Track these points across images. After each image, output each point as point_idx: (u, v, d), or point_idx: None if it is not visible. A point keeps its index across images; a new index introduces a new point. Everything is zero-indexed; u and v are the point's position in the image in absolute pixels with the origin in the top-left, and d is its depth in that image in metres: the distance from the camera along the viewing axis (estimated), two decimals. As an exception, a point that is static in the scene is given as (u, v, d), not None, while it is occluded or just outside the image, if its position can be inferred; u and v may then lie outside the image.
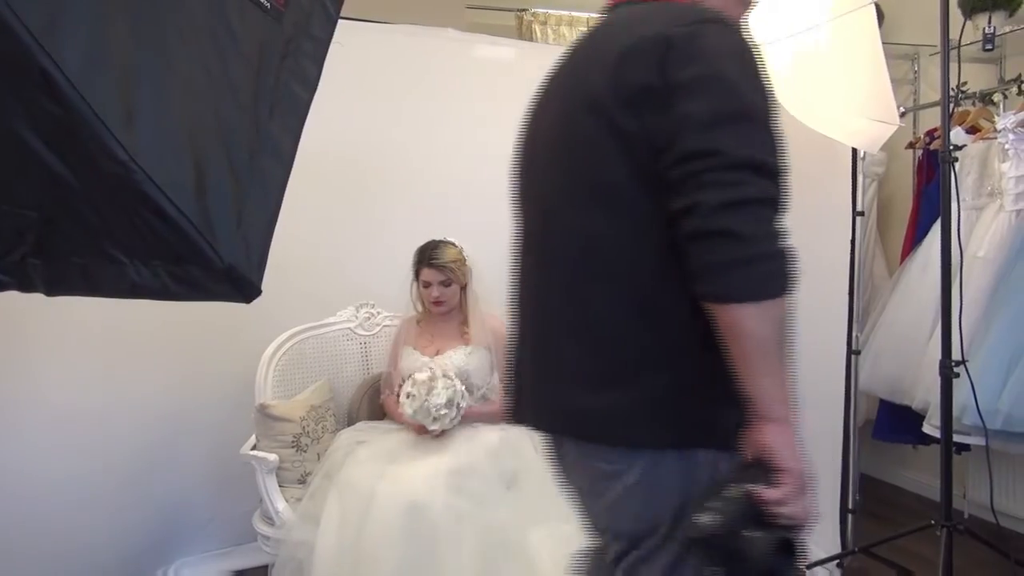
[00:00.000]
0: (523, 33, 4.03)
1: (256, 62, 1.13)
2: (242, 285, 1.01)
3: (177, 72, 1.03)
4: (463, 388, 2.38)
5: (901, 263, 3.31)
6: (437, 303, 2.54)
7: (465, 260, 2.58)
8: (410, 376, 2.42)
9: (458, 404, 2.35)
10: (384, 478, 2.17)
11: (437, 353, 2.54)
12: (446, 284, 2.54)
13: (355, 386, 2.81)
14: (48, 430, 2.50)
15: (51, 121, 0.91)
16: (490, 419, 2.48)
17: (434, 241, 2.59)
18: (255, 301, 3.01)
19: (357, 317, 2.91)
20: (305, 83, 1.17)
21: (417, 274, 2.56)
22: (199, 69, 1.06)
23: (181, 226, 0.96)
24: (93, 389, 2.64)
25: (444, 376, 2.35)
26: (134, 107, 0.95)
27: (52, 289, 1.09)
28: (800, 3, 2.63)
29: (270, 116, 1.14)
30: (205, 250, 0.98)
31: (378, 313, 2.96)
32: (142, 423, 2.78)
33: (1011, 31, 2.97)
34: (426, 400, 2.29)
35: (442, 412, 2.30)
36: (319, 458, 2.45)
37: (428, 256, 2.55)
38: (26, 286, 1.09)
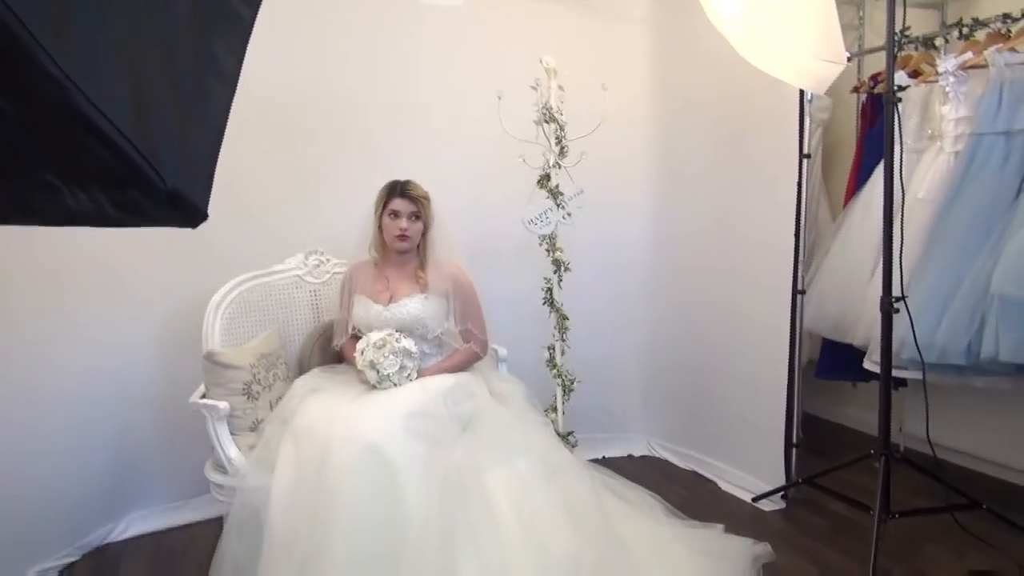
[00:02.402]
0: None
1: (196, -21, 1.07)
2: (187, 209, 0.97)
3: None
4: (416, 350, 2.38)
5: (844, 207, 3.39)
6: (402, 236, 2.49)
7: (430, 202, 2.55)
8: (364, 335, 2.40)
9: (409, 374, 2.37)
10: (339, 422, 2.14)
11: (391, 300, 2.50)
12: (415, 217, 2.51)
13: (305, 334, 2.77)
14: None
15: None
16: (447, 371, 2.48)
17: (404, 179, 2.55)
18: (203, 246, 2.97)
19: (306, 264, 2.86)
20: (249, 1, 1.11)
21: (385, 205, 2.50)
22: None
23: (120, 147, 0.91)
24: (34, 338, 2.55)
25: (396, 341, 2.34)
26: (66, 19, 0.89)
27: (-17, 217, 1.03)
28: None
29: (211, 35, 1.09)
30: (146, 172, 0.93)
31: (328, 260, 2.91)
32: (85, 374, 2.72)
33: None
34: (375, 364, 2.31)
35: (391, 375, 2.33)
36: (271, 406, 2.42)
37: (400, 187, 2.51)
38: (-46, 215, 1.03)
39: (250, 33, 1.16)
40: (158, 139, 0.95)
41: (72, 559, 2.70)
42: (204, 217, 1.00)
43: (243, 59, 1.13)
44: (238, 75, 1.12)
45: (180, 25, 1.05)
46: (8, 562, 2.47)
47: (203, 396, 2.38)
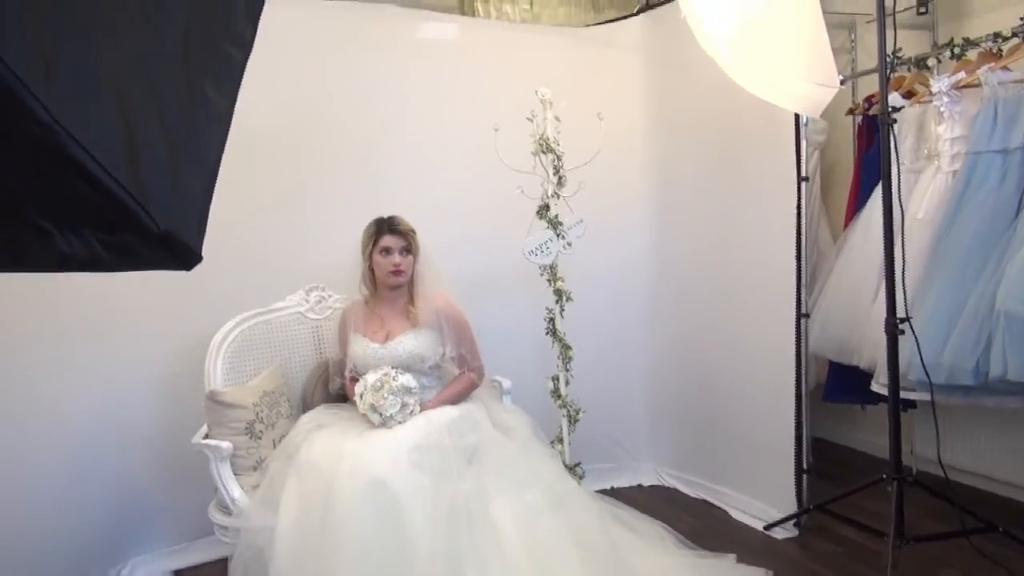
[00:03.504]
0: (465, 9, 4.00)
1: (186, 21, 1.08)
2: (180, 251, 0.96)
3: (100, 27, 0.97)
4: (415, 385, 2.37)
5: (844, 228, 3.39)
6: (396, 272, 2.50)
7: (416, 235, 2.56)
8: (362, 376, 2.40)
9: (412, 410, 2.35)
10: (344, 458, 2.13)
11: (387, 338, 2.50)
12: (406, 251, 2.52)
13: (308, 371, 2.76)
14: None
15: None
16: (449, 402, 2.47)
17: (388, 215, 2.56)
18: (203, 286, 2.96)
19: (308, 301, 2.86)
20: (239, 43, 1.12)
21: (375, 243, 2.52)
22: (124, 26, 1.00)
23: (111, 189, 0.91)
24: (35, 377, 2.54)
25: (393, 380, 2.33)
26: (53, 62, 0.89)
27: (-27, 264, 1.02)
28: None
29: (203, 76, 1.09)
30: (138, 214, 0.93)
31: (329, 296, 2.91)
32: (86, 414, 2.70)
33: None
34: (376, 407, 2.30)
35: (393, 415, 2.31)
36: (274, 444, 2.40)
37: (388, 224, 2.53)
38: (-55, 262, 1.02)
39: (242, 74, 1.16)
40: (149, 181, 0.95)
41: (76, 605, 2.67)
42: (198, 259, 1.00)
43: (235, 101, 1.14)
44: (231, 115, 1.12)
45: (171, 65, 1.05)
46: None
47: (206, 436, 2.36)
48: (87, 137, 0.90)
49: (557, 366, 2.90)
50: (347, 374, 2.54)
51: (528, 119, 2.80)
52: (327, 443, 2.25)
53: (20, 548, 2.46)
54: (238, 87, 1.15)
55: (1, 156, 0.92)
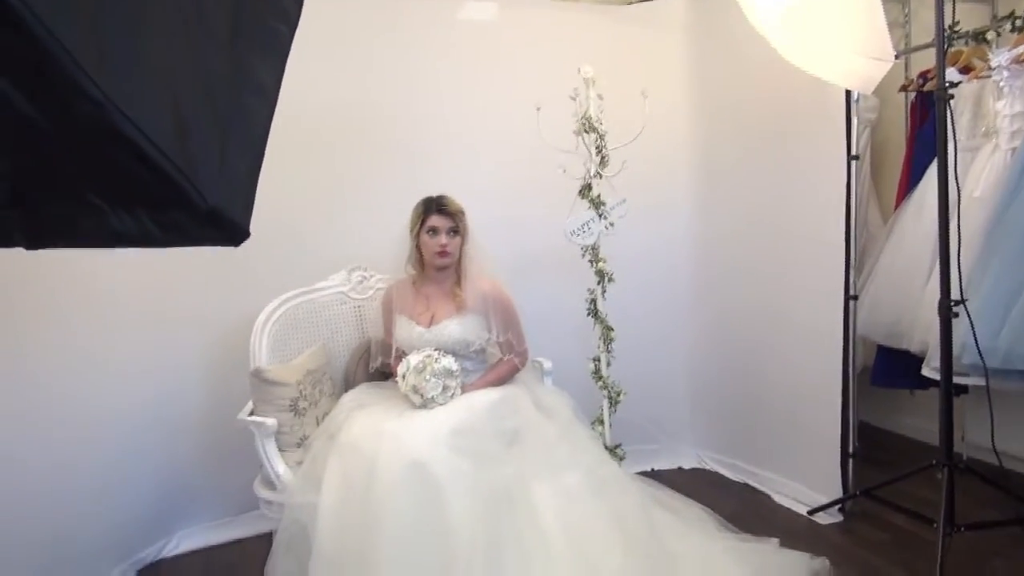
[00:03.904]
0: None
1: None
2: (228, 227, 0.97)
3: (149, 9, 0.98)
4: (457, 367, 2.36)
5: (896, 209, 3.29)
6: (443, 253, 2.48)
7: (465, 216, 2.54)
8: (405, 356, 2.40)
9: (453, 392, 2.35)
10: (385, 438, 2.14)
11: (432, 321, 2.50)
12: (454, 232, 2.50)
13: (350, 350, 2.78)
14: (38, 405, 2.46)
15: (19, 61, 0.86)
16: (491, 385, 2.47)
17: (437, 195, 2.55)
18: (247, 268, 3.01)
19: (350, 281, 2.88)
20: (285, 18, 1.12)
21: (423, 222, 2.49)
22: (172, 6, 1.01)
23: (161, 167, 0.92)
24: (83, 363, 2.60)
25: (435, 363, 2.33)
26: (106, 44, 0.90)
27: (32, 243, 1.04)
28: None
29: (249, 53, 1.09)
30: (187, 191, 0.93)
31: (371, 276, 2.92)
32: (135, 394, 2.77)
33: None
34: (418, 389, 2.30)
35: (435, 397, 2.31)
36: (317, 422, 2.43)
37: (437, 203, 2.51)
38: (4, 240, 1.04)
39: (288, 50, 1.16)
40: (198, 158, 0.96)
41: (127, 575, 2.75)
42: (246, 235, 1.00)
43: (282, 76, 1.14)
44: (277, 92, 1.12)
45: (218, 43, 1.05)
46: (66, 579, 2.52)
47: (251, 413, 2.40)
48: (138, 115, 0.91)
49: (598, 347, 2.87)
50: (393, 355, 2.54)
51: (571, 98, 2.77)
52: (368, 422, 2.26)
53: (74, 527, 2.53)
54: (284, 63, 1.15)
55: (57, 135, 0.93)
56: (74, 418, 2.56)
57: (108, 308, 2.70)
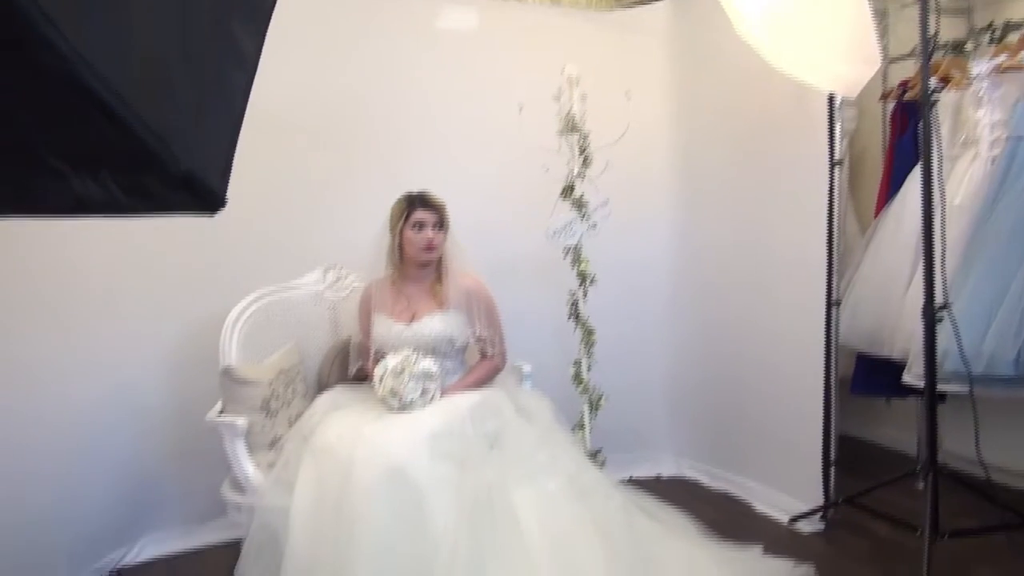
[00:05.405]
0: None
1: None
2: (203, 193, 0.90)
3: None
4: (436, 369, 2.30)
5: (875, 217, 3.29)
6: (430, 247, 2.42)
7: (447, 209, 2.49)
8: (382, 357, 2.32)
9: (432, 396, 2.28)
10: (361, 442, 2.06)
11: (413, 318, 2.43)
12: (439, 226, 2.44)
13: (324, 351, 2.70)
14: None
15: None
16: (470, 388, 2.41)
17: (417, 191, 2.48)
18: (217, 264, 2.92)
19: (325, 280, 2.81)
20: (266, -18, 1.06)
21: (407, 218, 2.43)
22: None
23: (130, 125, 0.85)
24: (42, 357, 2.50)
25: (414, 365, 2.26)
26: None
27: (-15, 210, 0.97)
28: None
29: (231, 19, 1.03)
30: (158, 153, 0.87)
31: (346, 276, 2.85)
32: (96, 393, 2.66)
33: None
34: (396, 392, 2.23)
35: (413, 401, 2.24)
36: (290, 423, 2.34)
37: (420, 198, 2.45)
38: (-45, 206, 0.97)
39: (270, 18, 1.10)
40: (173, 120, 0.89)
41: (86, 584, 2.63)
42: (222, 203, 0.94)
43: (262, 44, 1.08)
44: (257, 60, 1.06)
45: (199, 6, 0.99)
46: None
47: (220, 413, 2.31)
48: (109, 72, 0.84)
49: (579, 351, 2.82)
50: (371, 357, 2.46)
51: (554, 98, 2.73)
52: (343, 425, 2.19)
53: (34, 532, 2.42)
54: (265, 30, 1.09)
55: (17, 91, 0.85)
56: (28, 417, 2.44)
57: (66, 298, 2.58)
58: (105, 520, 2.71)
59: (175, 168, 0.87)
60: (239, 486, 2.23)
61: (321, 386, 2.58)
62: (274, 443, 2.29)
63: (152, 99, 0.87)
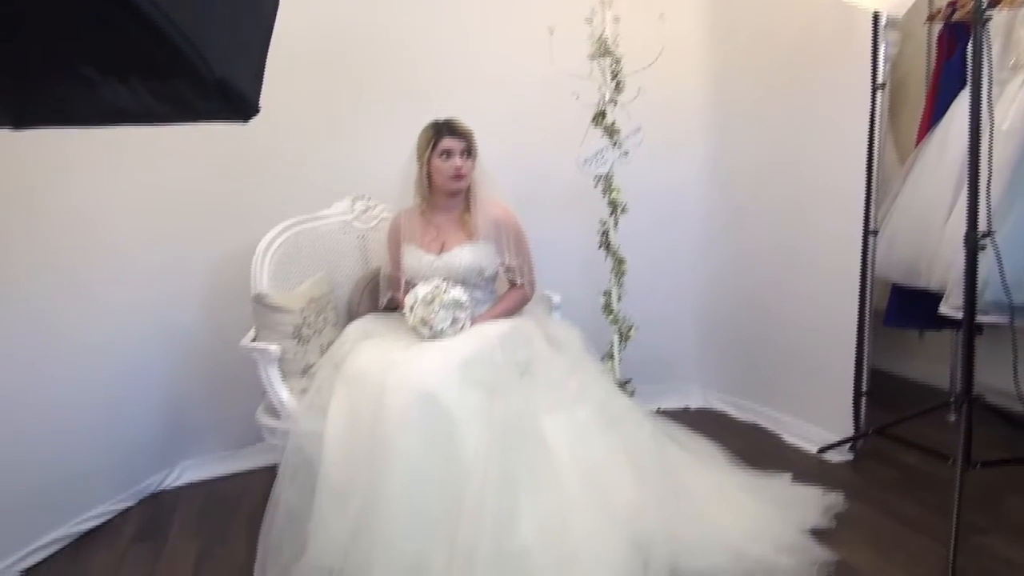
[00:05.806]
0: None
1: None
2: (237, 101, 0.88)
3: None
4: (466, 299, 2.29)
5: (917, 144, 3.18)
6: (458, 175, 2.38)
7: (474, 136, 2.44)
8: (413, 287, 2.32)
9: (463, 325, 2.28)
10: (393, 369, 2.07)
11: (443, 248, 2.41)
12: (467, 154, 2.40)
13: (353, 280, 2.70)
14: (34, 336, 2.39)
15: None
16: (500, 317, 2.40)
17: (444, 119, 2.43)
18: (247, 194, 2.90)
19: (353, 210, 2.79)
20: None
21: (434, 146, 2.38)
22: None
23: (164, 31, 0.82)
24: (79, 291, 2.53)
25: (444, 293, 2.25)
26: None
27: (20, 121, 0.95)
28: None
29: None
30: (192, 60, 0.84)
31: (375, 206, 2.83)
32: (134, 323, 2.70)
33: None
34: (426, 321, 2.23)
35: (444, 330, 2.25)
36: (321, 351, 2.36)
37: (447, 126, 2.41)
38: (-10, 119, 0.95)
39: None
40: (206, 27, 0.86)
41: (128, 504, 2.73)
42: (255, 110, 0.91)
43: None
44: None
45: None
46: (64, 507, 2.48)
47: (253, 339, 2.33)
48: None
49: (610, 280, 2.80)
50: (401, 287, 2.46)
51: (586, 20, 2.64)
52: (375, 352, 2.20)
53: (75, 457, 2.49)
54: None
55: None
56: (70, 351, 2.49)
57: (101, 234, 2.61)
58: (146, 445, 2.79)
59: (209, 74, 0.85)
60: (274, 411, 2.27)
61: (351, 315, 2.59)
62: (306, 370, 2.31)
63: (185, 7, 0.84)
